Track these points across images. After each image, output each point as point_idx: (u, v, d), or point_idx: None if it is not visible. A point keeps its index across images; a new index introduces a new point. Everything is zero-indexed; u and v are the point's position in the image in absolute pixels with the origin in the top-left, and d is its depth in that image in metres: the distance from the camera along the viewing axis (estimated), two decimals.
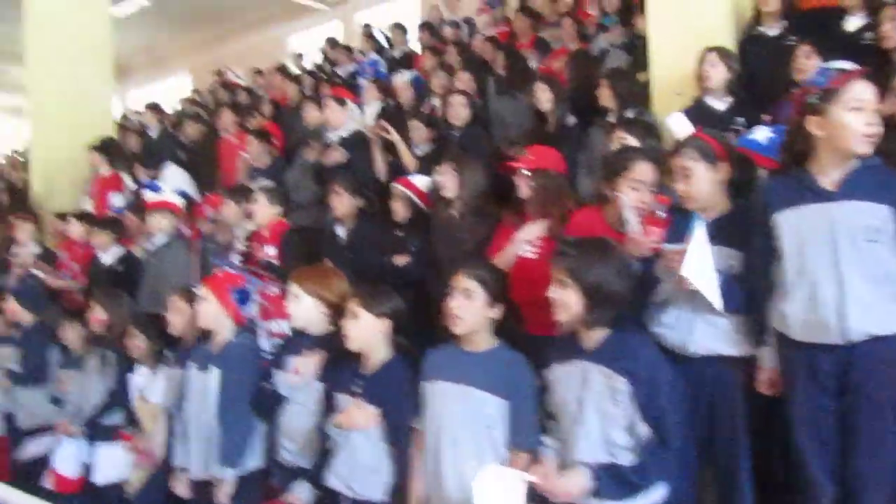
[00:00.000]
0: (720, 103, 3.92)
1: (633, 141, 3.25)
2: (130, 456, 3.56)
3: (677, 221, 2.66)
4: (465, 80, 5.65)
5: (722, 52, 3.94)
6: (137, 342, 3.75)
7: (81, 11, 7.93)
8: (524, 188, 3.40)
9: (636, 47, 5.43)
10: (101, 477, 3.61)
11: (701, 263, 2.40)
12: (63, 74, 7.74)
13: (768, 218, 2.38)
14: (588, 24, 6.37)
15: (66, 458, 3.73)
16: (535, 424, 2.41)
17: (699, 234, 2.41)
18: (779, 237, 2.36)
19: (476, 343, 2.52)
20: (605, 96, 4.26)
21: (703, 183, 2.60)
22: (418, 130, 5.00)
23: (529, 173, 3.37)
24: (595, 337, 2.31)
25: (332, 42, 10.36)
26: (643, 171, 2.86)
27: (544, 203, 3.32)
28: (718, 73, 3.88)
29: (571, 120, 4.46)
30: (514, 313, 2.64)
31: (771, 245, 2.39)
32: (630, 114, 4.12)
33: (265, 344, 3.53)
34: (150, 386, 3.59)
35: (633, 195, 2.85)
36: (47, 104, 7.79)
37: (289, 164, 6.05)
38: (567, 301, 2.27)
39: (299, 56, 11.13)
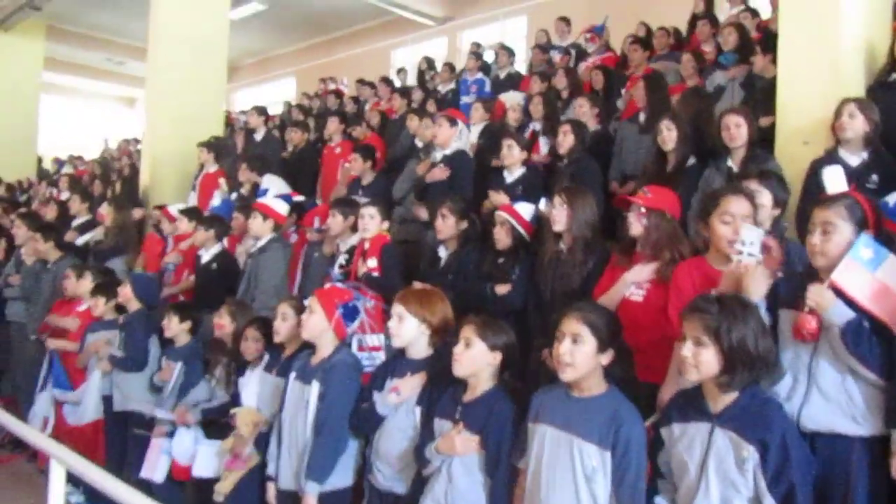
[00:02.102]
0: (854, 157, 3.72)
1: (766, 195, 3.10)
2: (223, 457, 3.61)
3: (791, 286, 2.55)
4: (580, 105, 5.53)
5: (862, 102, 3.75)
6: (255, 345, 3.78)
7: (203, 13, 8.28)
8: (637, 226, 3.29)
9: (753, 87, 5.25)
10: (199, 470, 3.68)
11: (860, 277, 2.31)
12: (181, 71, 8.09)
13: None
14: (706, 58, 6.20)
15: (184, 447, 3.82)
16: (639, 480, 2.30)
17: (864, 249, 2.32)
18: None
19: (584, 388, 2.42)
20: (738, 134, 4.05)
21: (843, 243, 2.44)
22: (511, 149, 4.76)
23: (645, 211, 3.26)
24: (724, 399, 2.19)
25: (428, 62, 10.52)
26: (733, 204, 2.77)
27: (657, 245, 3.21)
28: (857, 125, 3.69)
29: (692, 161, 4.32)
30: (624, 354, 2.55)
31: None
32: (755, 158, 3.96)
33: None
34: (245, 390, 3.64)
35: (725, 229, 2.77)
36: (163, 98, 8.14)
37: (390, 174, 6.12)
38: (703, 360, 2.16)
39: (402, 71, 11.32)
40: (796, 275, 2.69)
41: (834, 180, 2.65)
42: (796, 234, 3.44)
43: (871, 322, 2.34)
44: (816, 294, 2.35)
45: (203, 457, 3.68)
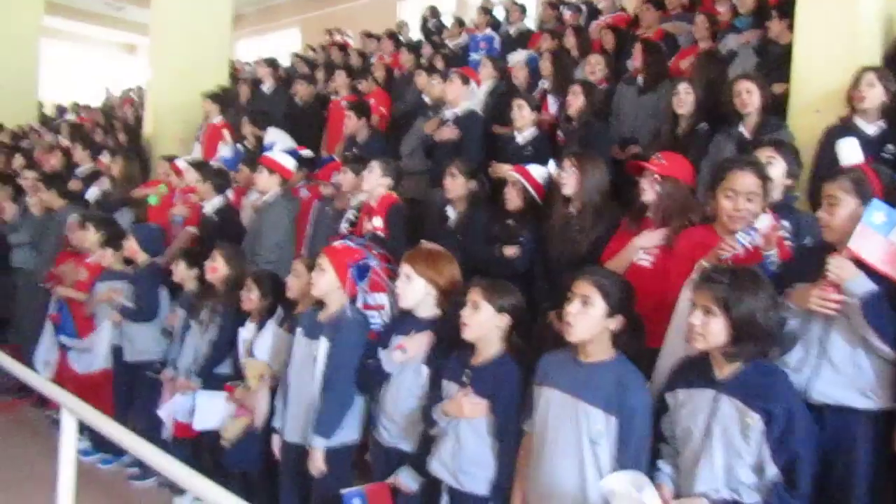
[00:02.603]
0: (871, 127, 3.71)
1: (780, 164, 3.09)
2: (230, 406, 3.66)
3: (805, 259, 2.55)
4: (593, 63, 5.45)
5: (881, 72, 3.74)
6: (251, 296, 3.81)
7: None
8: (650, 192, 3.28)
9: (768, 53, 5.18)
10: (199, 423, 3.73)
11: (875, 241, 2.31)
12: (184, 18, 7.93)
13: None
14: (720, 20, 6.09)
15: (185, 407, 3.88)
16: (644, 446, 2.34)
17: (877, 213, 2.32)
18: None
19: (591, 353, 2.44)
20: (749, 101, 4.02)
21: (846, 217, 2.45)
22: (522, 110, 4.76)
23: (659, 178, 3.25)
24: (730, 367, 2.22)
25: (433, 11, 10.33)
26: (738, 180, 2.74)
27: (668, 212, 3.20)
28: (875, 95, 3.69)
29: (704, 126, 4.28)
30: (636, 323, 2.56)
31: None
32: (767, 125, 3.94)
33: None
34: (257, 342, 3.67)
35: (726, 203, 2.75)
36: (167, 47, 8.01)
37: (397, 131, 6.07)
38: (711, 330, 2.18)
39: (403, 25, 11.11)
40: (811, 248, 2.69)
41: (849, 152, 2.64)
42: (808, 206, 3.43)
43: (888, 289, 2.34)
44: (837, 266, 2.35)
45: (202, 409, 3.73)
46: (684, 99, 4.30)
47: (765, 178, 2.81)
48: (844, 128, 3.70)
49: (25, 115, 12.26)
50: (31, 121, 12.02)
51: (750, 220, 2.71)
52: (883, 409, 2.37)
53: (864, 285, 2.33)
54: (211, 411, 3.69)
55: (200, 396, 3.76)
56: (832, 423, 2.42)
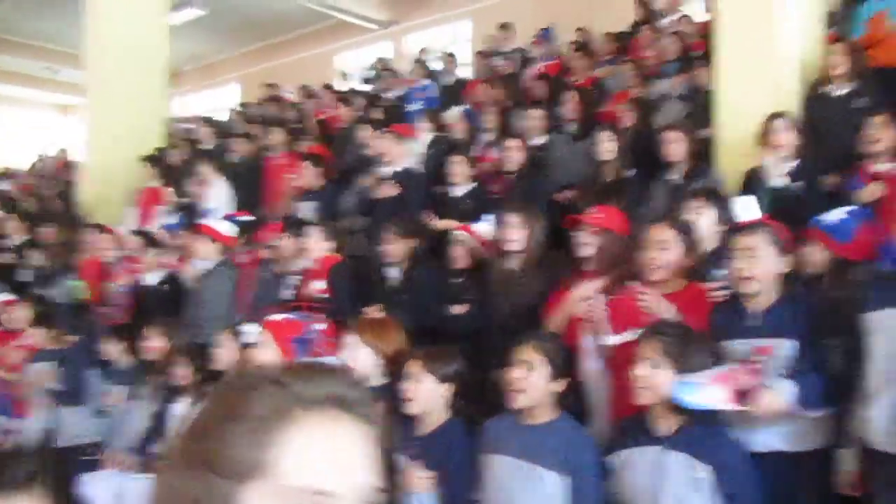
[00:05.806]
0: (784, 167, 3.85)
1: (711, 212, 3.16)
2: None
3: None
4: (532, 117, 5.49)
5: (787, 118, 3.88)
6: (183, 372, 3.71)
7: (140, 18, 7.96)
8: (589, 247, 3.31)
9: (695, 100, 5.33)
10: None
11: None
12: (120, 79, 7.73)
13: (860, 315, 2.27)
14: (648, 66, 6.27)
15: (111, 487, 3.70)
16: (598, 502, 2.33)
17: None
18: (868, 337, 2.26)
19: (536, 415, 2.44)
20: (676, 150, 4.15)
21: (769, 270, 2.49)
22: (459, 166, 4.81)
23: (596, 230, 3.28)
24: (673, 421, 2.23)
25: (382, 61, 10.36)
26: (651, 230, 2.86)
27: (607, 265, 3.23)
28: (784, 139, 3.83)
29: (631, 171, 4.38)
30: (577, 383, 2.57)
31: (858, 344, 2.29)
32: (697, 171, 4.05)
33: None
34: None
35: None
36: (103, 109, 7.80)
37: (340, 186, 6.04)
38: (657, 381, 2.20)
39: (345, 74, 11.12)
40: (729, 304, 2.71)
41: (747, 210, 2.71)
42: None
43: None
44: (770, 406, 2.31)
45: (134, 493, 3.57)
46: (607, 147, 4.39)
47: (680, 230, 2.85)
48: (762, 170, 3.86)
49: None
50: None
51: (667, 269, 2.76)
52: (818, 450, 2.41)
53: (790, 394, 2.32)
54: (142, 496, 3.53)
55: (132, 481, 3.60)
56: (770, 468, 2.42)
